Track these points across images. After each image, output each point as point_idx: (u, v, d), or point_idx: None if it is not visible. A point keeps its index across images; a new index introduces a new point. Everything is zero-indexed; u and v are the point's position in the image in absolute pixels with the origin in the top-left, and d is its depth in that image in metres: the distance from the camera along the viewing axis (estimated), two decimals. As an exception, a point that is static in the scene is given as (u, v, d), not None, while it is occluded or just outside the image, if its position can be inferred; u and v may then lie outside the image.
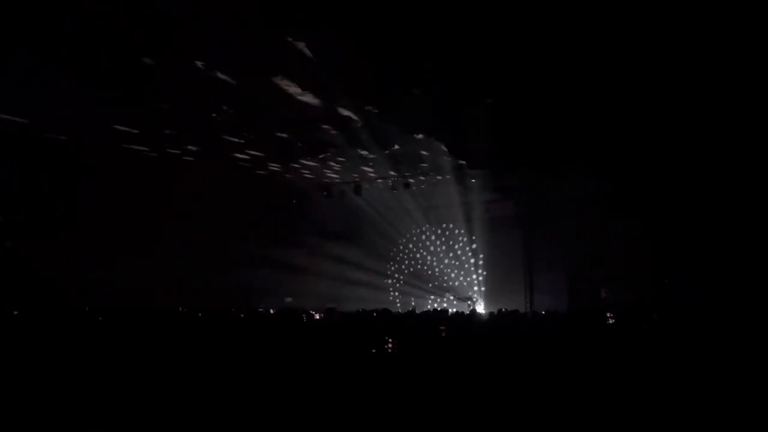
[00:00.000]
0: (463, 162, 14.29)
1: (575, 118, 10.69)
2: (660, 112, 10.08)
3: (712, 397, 4.52)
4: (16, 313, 9.70)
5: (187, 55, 8.52)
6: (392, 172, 15.75)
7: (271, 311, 13.07)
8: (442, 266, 19.10)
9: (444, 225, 19.05)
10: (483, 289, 18.15)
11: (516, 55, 8.33)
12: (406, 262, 19.76)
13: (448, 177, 15.89)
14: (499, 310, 9.43)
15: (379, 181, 16.62)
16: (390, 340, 6.21)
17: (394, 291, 19.67)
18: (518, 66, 8.65)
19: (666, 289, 13.30)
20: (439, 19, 7.31)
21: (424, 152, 13.65)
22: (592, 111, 10.32)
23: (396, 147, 13.17)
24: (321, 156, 13.92)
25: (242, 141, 12.67)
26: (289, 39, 7.91)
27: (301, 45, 8.10)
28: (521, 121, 10.95)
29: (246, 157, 13.92)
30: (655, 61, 8.21)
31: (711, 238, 12.69)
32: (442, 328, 6.97)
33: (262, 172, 15.55)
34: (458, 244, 18.87)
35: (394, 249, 19.79)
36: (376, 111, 10.82)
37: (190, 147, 12.97)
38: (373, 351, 6.07)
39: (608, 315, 8.90)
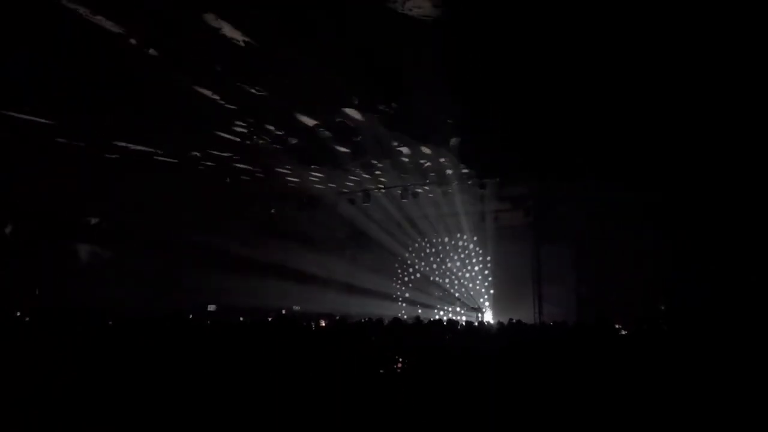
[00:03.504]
0: (473, 171, 14.30)
1: (584, 128, 10.69)
2: (667, 121, 10.08)
3: (715, 401, 4.51)
4: (18, 315, 9.82)
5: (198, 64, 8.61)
6: (401, 181, 15.78)
7: (283, 311, 12.99)
8: (450, 275, 19.05)
9: (452, 234, 19.04)
10: (491, 299, 18.08)
11: (525, 66, 8.35)
12: (414, 270, 19.74)
13: (456, 186, 15.90)
14: (510, 320, 9.39)
15: (388, 189, 16.64)
16: (398, 354, 6.20)
17: (401, 299, 19.64)
18: (527, 77, 8.66)
19: (668, 294, 13.33)
20: (442, 27, 7.32)
21: (432, 161, 13.68)
22: (601, 120, 10.31)
23: (405, 156, 13.20)
24: (331, 165, 13.96)
25: (250, 148, 12.69)
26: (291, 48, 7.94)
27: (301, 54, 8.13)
28: (530, 130, 10.96)
29: (250, 165, 13.96)
30: (664, 68, 8.20)
31: (714, 241, 12.69)
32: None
33: (268, 179, 15.60)
34: (467, 253, 18.83)
35: (402, 258, 19.78)
36: (386, 120, 10.86)
37: (194, 153, 13.00)
38: (381, 361, 6.07)
39: (618, 326, 8.87)
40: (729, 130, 10.21)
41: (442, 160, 13.49)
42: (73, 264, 14.00)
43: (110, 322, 8.97)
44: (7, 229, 13.19)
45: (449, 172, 14.66)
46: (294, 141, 12.06)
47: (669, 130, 10.47)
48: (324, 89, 9.47)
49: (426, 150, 12.72)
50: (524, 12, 7.00)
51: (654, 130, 10.52)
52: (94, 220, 14.49)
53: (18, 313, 10.16)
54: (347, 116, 10.77)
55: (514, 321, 9.36)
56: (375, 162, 13.77)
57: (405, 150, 12.79)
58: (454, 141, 12.01)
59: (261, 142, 11.92)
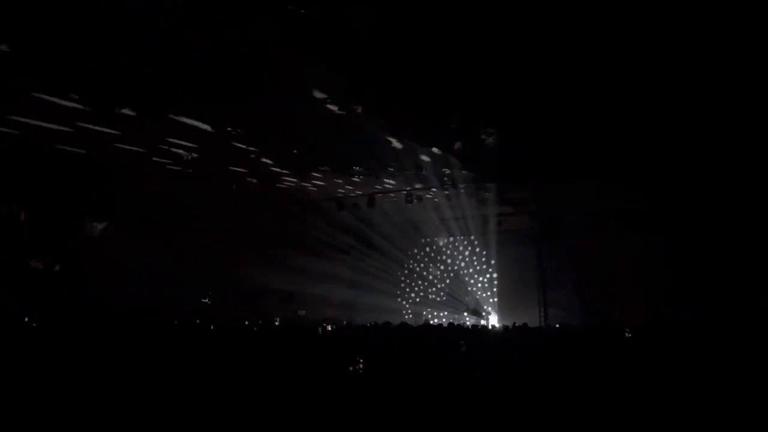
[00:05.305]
0: (476, 175, 14.32)
1: (588, 132, 10.72)
2: (669, 125, 10.11)
3: (721, 404, 4.54)
4: (26, 320, 9.87)
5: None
6: (406, 185, 15.82)
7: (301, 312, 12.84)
8: (455, 279, 19.07)
9: (457, 238, 19.06)
10: (496, 303, 18.09)
11: (528, 71, 8.38)
12: (419, 274, 19.76)
13: (461, 191, 15.93)
14: (514, 324, 9.43)
15: (393, 194, 16.69)
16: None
17: (406, 303, 19.66)
18: (531, 82, 8.69)
19: (671, 297, 13.34)
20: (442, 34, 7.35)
21: (436, 166, 13.72)
22: (604, 125, 10.34)
23: (409, 161, 13.25)
24: (337, 170, 14.02)
25: (257, 150, 12.74)
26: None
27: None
28: (533, 135, 10.99)
29: (259, 166, 14.01)
30: (665, 72, 8.22)
31: (716, 243, 12.70)
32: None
33: (276, 184, 15.66)
34: (471, 257, 18.85)
35: (407, 262, 19.81)
36: (388, 125, 10.91)
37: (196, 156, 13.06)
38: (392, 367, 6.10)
39: (626, 330, 8.89)
40: (730, 135, 10.23)
41: (445, 164, 13.53)
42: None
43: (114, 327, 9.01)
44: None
45: (453, 175, 14.69)
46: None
47: (672, 134, 10.49)
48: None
49: (430, 155, 12.76)
50: (525, 14, 7.05)
51: (657, 134, 10.54)
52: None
53: (26, 318, 10.23)
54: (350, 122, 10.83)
55: (519, 324, 9.39)
56: (380, 167, 13.83)
57: (411, 156, 12.85)
58: (457, 145, 12.05)
59: None
